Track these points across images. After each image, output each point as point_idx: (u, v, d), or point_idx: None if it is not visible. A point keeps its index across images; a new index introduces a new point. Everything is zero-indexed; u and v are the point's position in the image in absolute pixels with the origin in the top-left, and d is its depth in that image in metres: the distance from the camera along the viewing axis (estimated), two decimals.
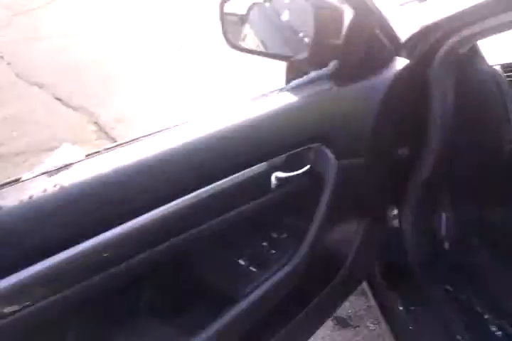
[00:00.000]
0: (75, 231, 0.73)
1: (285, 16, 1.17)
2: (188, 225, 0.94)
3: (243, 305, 0.99)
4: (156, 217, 0.86)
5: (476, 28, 1.00)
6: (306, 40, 1.03)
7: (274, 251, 1.11)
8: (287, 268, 1.06)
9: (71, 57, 4.29)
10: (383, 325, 1.41)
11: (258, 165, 1.02)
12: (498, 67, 1.29)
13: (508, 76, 1.28)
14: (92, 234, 0.76)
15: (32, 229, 0.67)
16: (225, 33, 1.15)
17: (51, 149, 3.05)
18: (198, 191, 0.90)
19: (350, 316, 1.79)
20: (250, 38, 1.22)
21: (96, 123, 3.34)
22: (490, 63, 1.25)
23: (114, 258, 0.83)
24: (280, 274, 1.05)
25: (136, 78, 3.91)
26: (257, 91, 1.04)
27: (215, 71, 3.70)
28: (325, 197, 1.06)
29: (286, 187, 1.08)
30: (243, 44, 1.20)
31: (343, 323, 1.77)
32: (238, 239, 1.08)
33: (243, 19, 1.24)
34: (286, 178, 1.07)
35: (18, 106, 3.52)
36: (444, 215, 1.31)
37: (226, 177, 0.93)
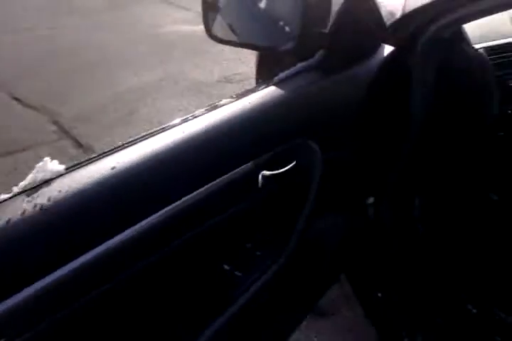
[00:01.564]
0: (62, 254, 0.66)
1: (262, 4, 1.09)
2: (179, 231, 0.88)
3: (231, 311, 0.94)
4: (142, 229, 0.80)
5: (460, 13, 0.97)
6: (287, 29, 0.97)
7: (259, 253, 1.07)
8: (274, 268, 1.02)
9: (33, 52, 4.12)
10: (360, 312, 1.42)
11: (245, 165, 0.97)
12: (482, 50, 1.27)
13: (492, 59, 1.26)
14: (83, 250, 0.69)
15: (10, 255, 0.60)
16: (205, 23, 1.07)
17: (10, 153, 2.91)
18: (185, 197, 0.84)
19: (326, 305, 1.77)
20: (222, 28, 1.14)
21: (56, 122, 3.21)
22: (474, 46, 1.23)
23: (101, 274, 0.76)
24: (266, 276, 1.01)
25: (97, 73, 3.78)
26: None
27: None
28: (311, 192, 1.03)
29: (272, 185, 1.04)
30: (220, 34, 1.11)
31: (319, 312, 1.75)
32: (223, 243, 1.03)
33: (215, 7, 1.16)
34: (273, 176, 1.03)
35: None
36: (417, 198, 1.32)
37: (214, 179, 0.87)
